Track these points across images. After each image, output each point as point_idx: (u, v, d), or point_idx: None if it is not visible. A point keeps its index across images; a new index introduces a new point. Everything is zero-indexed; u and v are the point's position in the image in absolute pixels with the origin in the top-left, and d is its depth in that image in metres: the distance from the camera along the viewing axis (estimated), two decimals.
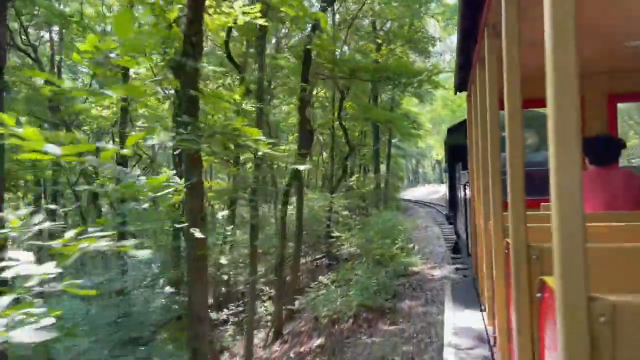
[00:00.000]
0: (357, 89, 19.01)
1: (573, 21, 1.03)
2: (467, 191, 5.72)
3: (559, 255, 1.04)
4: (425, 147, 52.98)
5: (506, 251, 2.21)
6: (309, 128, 11.71)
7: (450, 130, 11.19)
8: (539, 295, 1.54)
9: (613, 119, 4.54)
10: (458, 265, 9.14)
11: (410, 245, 11.96)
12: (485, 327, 3.64)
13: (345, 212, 21.22)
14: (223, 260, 11.65)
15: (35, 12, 14.50)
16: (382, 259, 11.55)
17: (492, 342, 3.26)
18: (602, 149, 3.16)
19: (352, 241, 14.17)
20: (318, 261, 18.99)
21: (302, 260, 18.95)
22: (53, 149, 1.61)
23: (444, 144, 13.76)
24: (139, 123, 15.54)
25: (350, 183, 26.62)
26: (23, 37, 15.07)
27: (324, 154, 26.20)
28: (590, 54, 3.59)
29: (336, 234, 14.67)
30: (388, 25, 19.51)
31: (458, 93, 5.36)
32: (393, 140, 33.01)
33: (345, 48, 19.31)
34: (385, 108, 23.65)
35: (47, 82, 5.58)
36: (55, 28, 16.70)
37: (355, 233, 14.49)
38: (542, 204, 3.12)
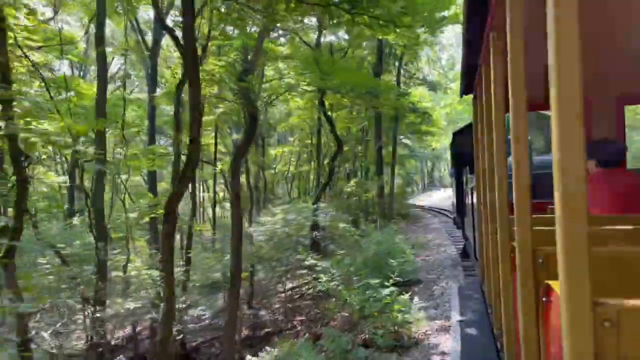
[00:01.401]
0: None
1: (578, 24, 1.03)
2: (474, 195, 5.32)
3: (564, 259, 1.04)
4: (440, 148, 48.65)
5: (512, 255, 2.21)
6: (251, 110, 7.77)
7: (457, 134, 11.00)
8: (544, 299, 1.50)
9: (621, 121, 4.54)
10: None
11: (407, 296, 7.79)
12: (492, 330, 3.51)
13: (343, 225, 17.28)
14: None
15: None
16: (364, 310, 7.53)
17: (498, 346, 3.15)
18: (608, 151, 3.15)
19: (333, 273, 10.12)
20: (304, 288, 15.08)
21: (285, 287, 15.11)
22: None
23: (450, 147, 12.44)
24: None
25: (349, 189, 22.71)
26: None
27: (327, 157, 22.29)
28: (598, 55, 3.41)
29: (311, 261, 10.69)
30: None
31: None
32: (405, 141, 29.06)
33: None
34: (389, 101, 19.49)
35: None
36: None
37: (337, 262, 10.47)
38: (549, 207, 3.20)
